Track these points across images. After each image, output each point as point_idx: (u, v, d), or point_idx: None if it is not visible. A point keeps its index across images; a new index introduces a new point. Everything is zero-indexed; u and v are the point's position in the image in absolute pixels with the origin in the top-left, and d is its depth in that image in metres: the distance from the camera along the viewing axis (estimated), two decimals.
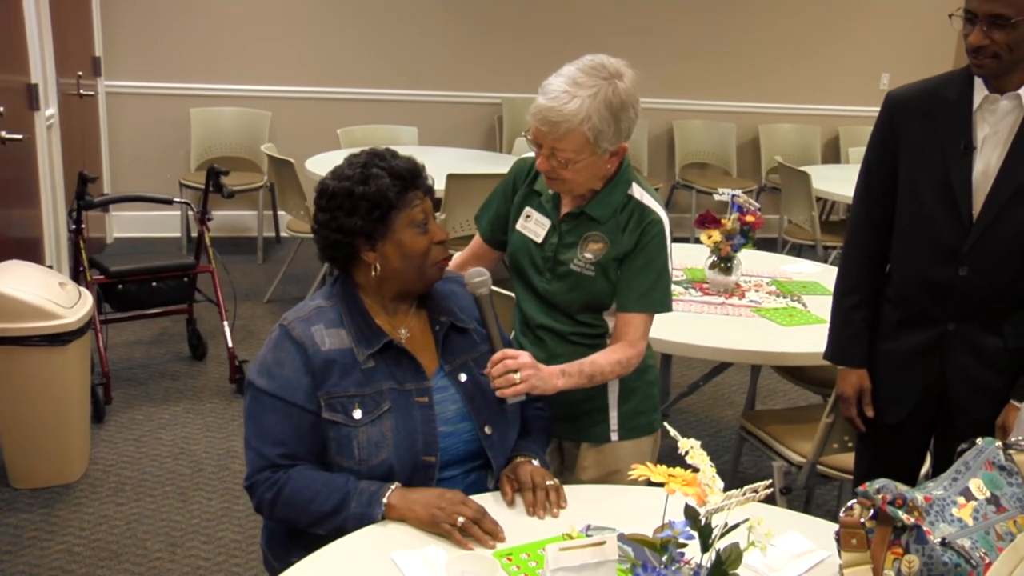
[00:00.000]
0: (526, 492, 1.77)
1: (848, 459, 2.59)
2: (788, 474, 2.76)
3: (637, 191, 2.03)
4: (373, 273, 1.81)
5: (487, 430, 1.83)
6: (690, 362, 4.38)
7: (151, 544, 2.96)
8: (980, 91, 2.03)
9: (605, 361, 1.97)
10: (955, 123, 2.06)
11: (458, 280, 1.95)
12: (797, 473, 2.71)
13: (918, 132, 2.11)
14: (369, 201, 1.76)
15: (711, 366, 3.59)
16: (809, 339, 2.72)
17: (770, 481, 1.35)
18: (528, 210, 2.10)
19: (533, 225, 2.08)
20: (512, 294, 2.24)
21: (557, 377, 1.89)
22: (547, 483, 1.78)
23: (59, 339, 3.10)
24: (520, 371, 1.80)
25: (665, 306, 2.04)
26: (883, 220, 2.21)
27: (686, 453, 1.35)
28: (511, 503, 1.76)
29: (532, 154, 2.02)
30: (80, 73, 5.16)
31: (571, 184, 1.96)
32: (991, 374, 2.12)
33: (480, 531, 1.64)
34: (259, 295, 5.27)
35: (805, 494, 3.18)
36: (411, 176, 1.80)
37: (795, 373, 3.38)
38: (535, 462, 1.85)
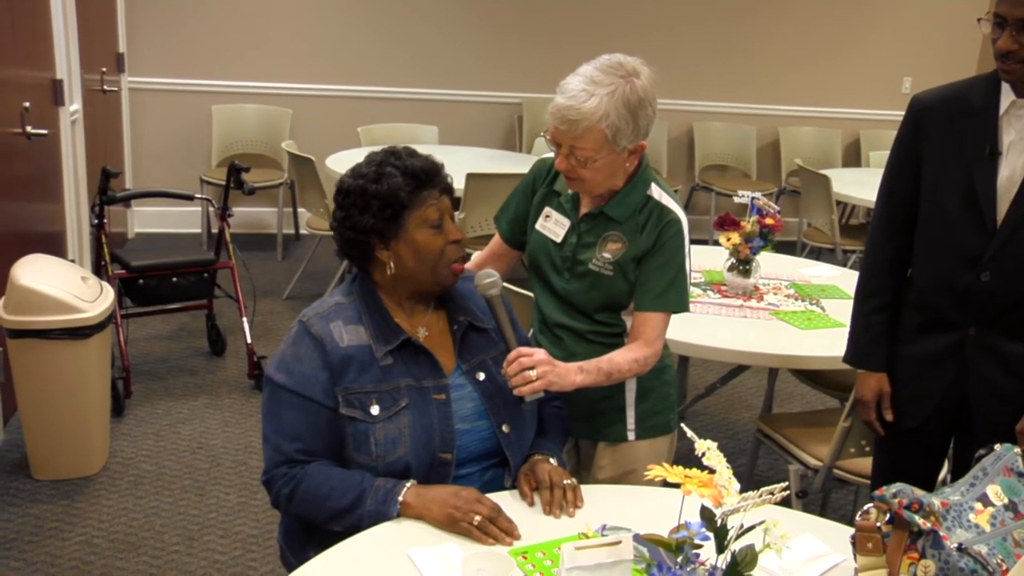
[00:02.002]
0: (543, 491, 1.77)
1: (864, 463, 2.58)
2: (804, 478, 2.75)
3: (656, 191, 2.04)
4: (388, 272, 1.82)
5: (504, 429, 1.84)
6: (708, 364, 4.37)
7: (168, 537, 2.98)
8: (1007, 96, 2.02)
9: (623, 359, 1.97)
10: (980, 128, 2.05)
11: None
12: (813, 477, 2.71)
13: (943, 136, 2.10)
14: (381, 200, 1.78)
15: (728, 368, 3.58)
16: (827, 343, 2.71)
17: (786, 483, 1.35)
18: (548, 210, 2.11)
19: (552, 225, 2.09)
20: (530, 293, 2.25)
21: (575, 374, 1.89)
22: (564, 482, 1.78)
23: (80, 332, 3.13)
24: (536, 368, 1.80)
25: (681, 306, 2.04)
26: (905, 224, 2.20)
27: (703, 454, 1.35)
28: (531, 503, 1.77)
29: (552, 154, 2.03)
30: (104, 69, 5.21)
31: (590, 184, 1.97)
32: (1011, 380, 2.11)
33: (496, 529, 1.65)
34: (278, 292, 5.30)
35: (821, 498, 3.18)
36: (426, 175, 1.81)
37: (812, 377, 3.37)
38: (552, 461, 1.86)
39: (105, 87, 5.22)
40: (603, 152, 1.91)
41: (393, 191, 1.77)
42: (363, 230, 1.79)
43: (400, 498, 1.69)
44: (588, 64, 1.92)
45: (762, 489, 1.32)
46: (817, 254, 5.69)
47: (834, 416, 2.69)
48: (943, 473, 2.45)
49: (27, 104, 3.64)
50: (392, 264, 1.81)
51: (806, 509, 2.72)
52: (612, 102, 1.86)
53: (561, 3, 6.47)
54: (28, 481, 3.23)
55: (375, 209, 1.78)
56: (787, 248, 5.37)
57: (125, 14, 5.80)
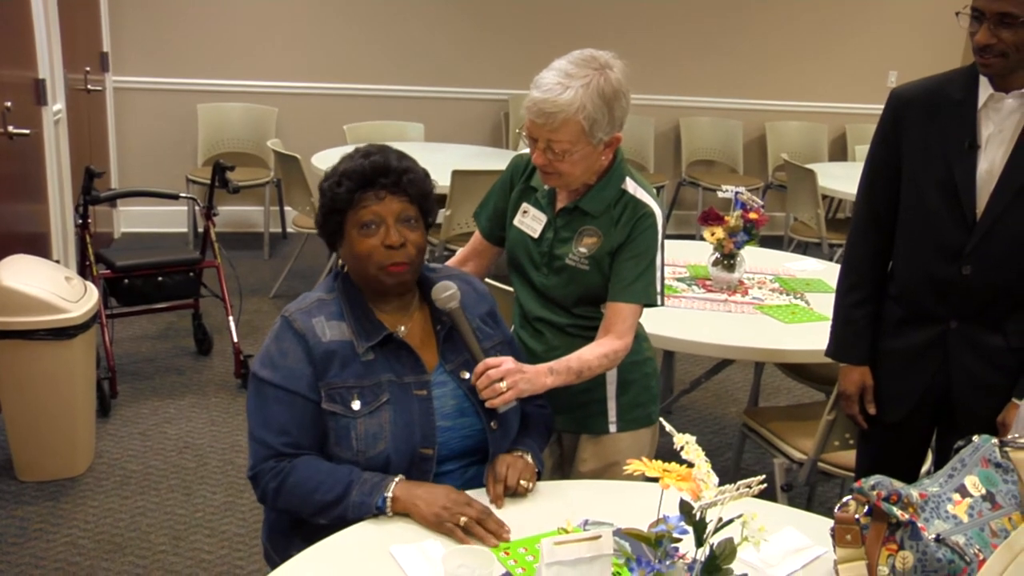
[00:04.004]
0: (497, 484, 1.78)
1: (850, 456, 2.59)
2: (790, 471, 2.76)
3: (631, 185, 2.04)
4: (345, 269, 1.85)
5: (493, 425, 1.84)
6: (695, 359, 4.38)
7: (155, 537, 2.97)
8: (985, 89, 2.03)
9: (592, 355, 1.97)
10: (960, 121, 2.05)
11: (462, 277, 1.96)
12: (798, 470, 2.71)
13: (922, 130, 2.11)
14: (324, 198, 1.82)
15: (715, 363, 3.60)
16: (811, 336, 2.72)
17: (763, 477, 1.36)
18: (525, 206, 2.12)
19: (530, 221, 2.10)
20: (511, 288, 2.25)
21: (545, 376, 1.89)
22: (520, 482, 1.78)
23: (64, 333, 3.12)
24: (505, 378, 1.79)
25: (650, 298, 2.04)
26: (886, 217, 2.21)
27: (681, 448, 1.35)
28: (492, 500, 1.76)
29: (528, 150, 2.03)
30: (88, 68, 5.18)
31: (567, 177, 1.97)
32: (993, 372, 2.12)
33: (483, 530, 1.65)
34: (265, 290, 5.29)
35: (807, 491, 3.18)
36: (364, 178, 1.78)
37: (798, 370, 3.38)
38: (528, 456, 1.86)
39: (89, 86, 5.19)
40: (580, 144, 1.91)
41: (331, 191, 1.80)
42: (321, 226, 1.85)
43: (389, 492, 1.68)
44: (561, 59, 1.93)
45: (739, 483, 1.32)
46: (804, 248, 5.71)
47: (819, 409, 2.70)
48: (927, 465, 2.46)
49: (8, 104, 3.62)
50: (341, 262, 1.85)
51: (793, 502, 2.74)
52: (588, 93, 1.87)
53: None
54: (12, 483, 3.22)
55: (325, 210, 1.82)
56: (774, 242, 5.39)
57: (109, 13, 5.77)
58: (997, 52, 1.93)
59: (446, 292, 1.85)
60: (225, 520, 3.09)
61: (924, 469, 2.44)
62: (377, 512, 1.69)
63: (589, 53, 1.93)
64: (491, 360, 1.81)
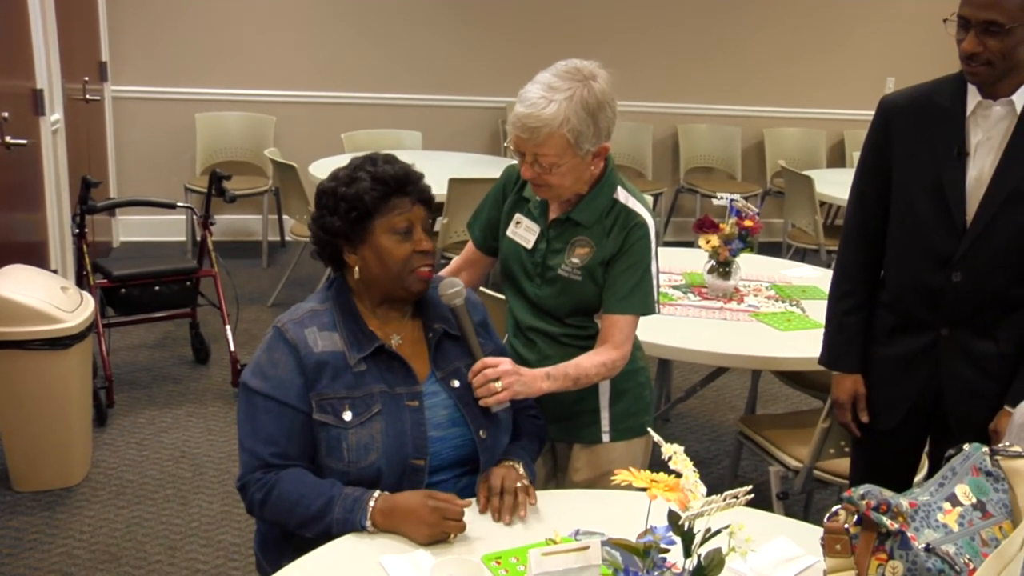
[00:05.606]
0: (492, 498, 1.76)
1: (845, 464, 2.58)
2: (785, 479, 2.75)
3: (622, 195, 2.04)
4: (356, 275, 1.83)
5: (482, 434, 1.84)
6: (692, 366, 4.37)
7: (150, 547, 2.97)
8: (973, 97, 2.03)
9: (590, 363, 1.98)
10: (948, 129, 2.06)
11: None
12: (794, 478, 2.71)
13: (912, 137, 2.11)
14: (348, 203, 1.79)
15: (711, 370, 3.59)
16: (806, 344, 2.72)
17: (750, 487, 1.36)
18: (518, 216, 2.12)
19: (523, 231, 2.10)
20: (504, 297, 2.26)
21: (541, 380, 1.90)
22: (517, 486, 1.77)
23: (60, 343, 3.12)
24: (501, 379, 1.80)
25: (647, 308, 2.04)
26: (877, 225, 2.21)
27: (669, 458, 1.35)
28: (482, 511, 1.76)
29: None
30: (86, 78, 5.19)
31: (557, 189, 1.97)
32: (985, 379, 2.12)
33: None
34: (263, 299, 5.29)
35: (804, 499, 3.18)
36: (396, 183, 1.81)
37: (794, 378, 3.37)
38: (519, 467, 1.85)
39: (88, 96, 5.21)
40: (567, 157, 1.91)
41: (359, 195, 1.79)
42: (330, 231, 1.82)
43: (368, 517, 1.67)
44: (545, 71, 1.93)
45: (726, 493, 1.32)
46: (802, 255, 5.71)
47: (815, 417, 2.70)
48: (922, 472, 2.46)
49: (6, 114, 3.62)
50: (358, 269, 1.82)
51: (790, 510, 2.74)
52: (571, 106, 1.87)
53: (544, 7, 6.47)
54: (8, 493, 3.21)
55: (342, 212, 1.80)
56: (772, 249, 5.39)
57: (107, 22, 5.78)
58: (983, 60, 1.93)
59: (452, 288, 1.86)
60: (221, 530, 3.08)
61: (919, 477, 2.44)
62: (362, 529, 1.69)
63: (573, 65, 1.92)
64: (489, 360, 1.83)
